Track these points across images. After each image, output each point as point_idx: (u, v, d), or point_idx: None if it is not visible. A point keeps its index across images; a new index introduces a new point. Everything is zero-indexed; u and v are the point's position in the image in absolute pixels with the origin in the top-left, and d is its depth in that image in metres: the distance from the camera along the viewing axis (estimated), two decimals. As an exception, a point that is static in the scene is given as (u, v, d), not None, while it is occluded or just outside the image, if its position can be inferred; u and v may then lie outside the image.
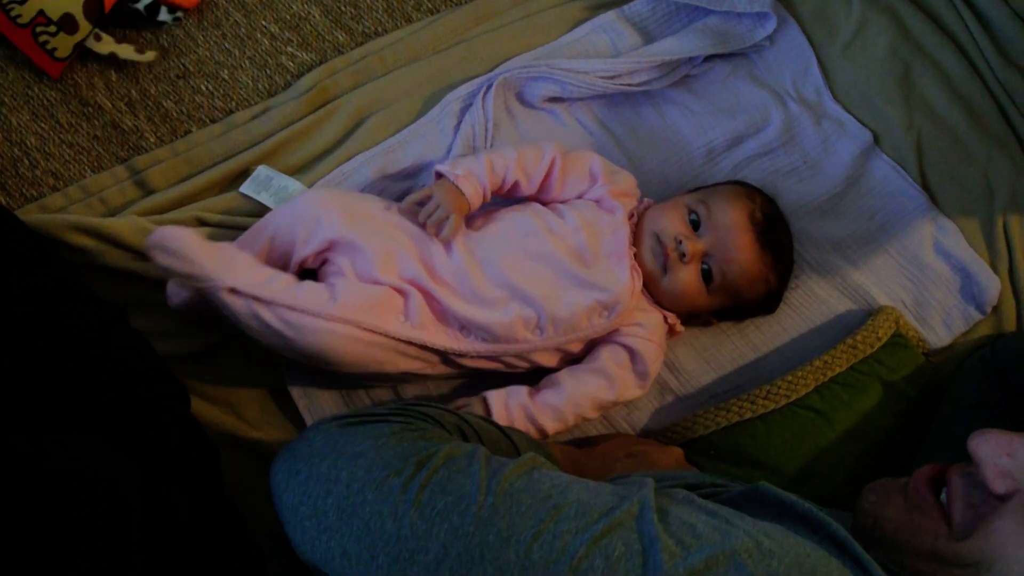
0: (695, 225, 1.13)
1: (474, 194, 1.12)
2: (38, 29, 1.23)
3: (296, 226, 1.08)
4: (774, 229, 1.16)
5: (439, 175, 1.14)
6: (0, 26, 1.23)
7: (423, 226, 1.10)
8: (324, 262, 1.10)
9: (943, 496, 0.73)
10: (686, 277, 1.12)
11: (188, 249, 0.99)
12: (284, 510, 0.78)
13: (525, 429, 1.11)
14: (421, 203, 1.12)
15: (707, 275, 1.12)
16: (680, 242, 1.11)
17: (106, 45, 1.26)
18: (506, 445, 0.93)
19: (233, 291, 1.00)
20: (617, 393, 1.12)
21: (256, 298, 1.00)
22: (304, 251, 1.08)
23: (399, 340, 1.04)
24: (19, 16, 1.22)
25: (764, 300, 1.19)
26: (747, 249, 1.12)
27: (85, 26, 1.24)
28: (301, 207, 1.10)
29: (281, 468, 0.80)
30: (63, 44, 1.24)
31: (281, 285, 1.02)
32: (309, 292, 1.02)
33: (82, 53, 1.27)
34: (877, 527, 0.75)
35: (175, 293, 1.08)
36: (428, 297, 1.07)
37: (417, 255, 1.08)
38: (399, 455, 0.75)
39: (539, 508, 0.69)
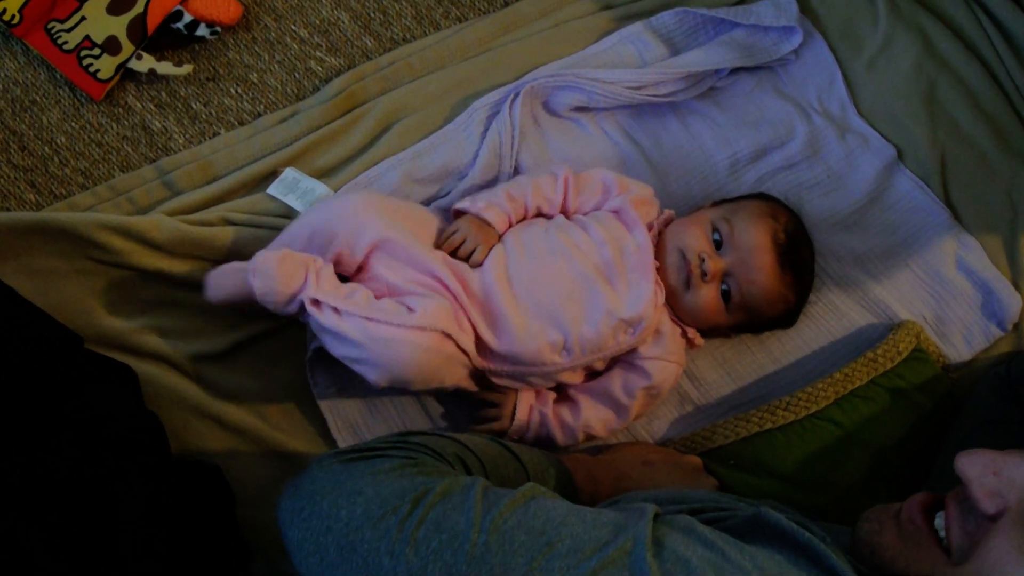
0: (718, 244, 1.13)
1: (499, 220, 1.14)
2: (83, 53, 1.26)
3: (335, 228, 1.08)
4: (797, 249, 1.16)
5: (459, 213, 1.16)
6: (46, 54, 1.27)
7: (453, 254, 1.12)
8: (359, 270, 1.11)
9: (937, 522, 0.74)
10: (706, 295, 1.12)
11: (275, 268, 1.02)
12: (289, 545, 0.80)
13: (536, 435, 1.13)
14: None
15: (726, 294, 1.13)
16: (703, 260, 1.11)
17: (146, 63, 1.29)
18: (513, 466, 0.94)
19: (315, 302, 1.02)
20: (629, 421, 1.15)
21: (336, 309, 1.01)
22: (349, 257, 1.09)
23: (463, 351, 1.05)
24: (65, 43, 1.26)
25: (782, 317, 1.19)
26: (768, 270, 1.12)
27: (128, 47, 1.27)
28: (340, 210, 1.10)
29: (286, 505, 0.82)
30: (106, 65, 1.27)
31: (362, 297, 1.03)
32: (389, 304, 1.03)
33: (123, 72, 1.29)
34: (875, 556, 0.75)
35: (217, 287, 1.07)
36: (465, 313, 1.07)
37: (451, 271, 1.09)
38: (396, 492, 0.76)
39: (532, 545, 0.70)
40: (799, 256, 1.16)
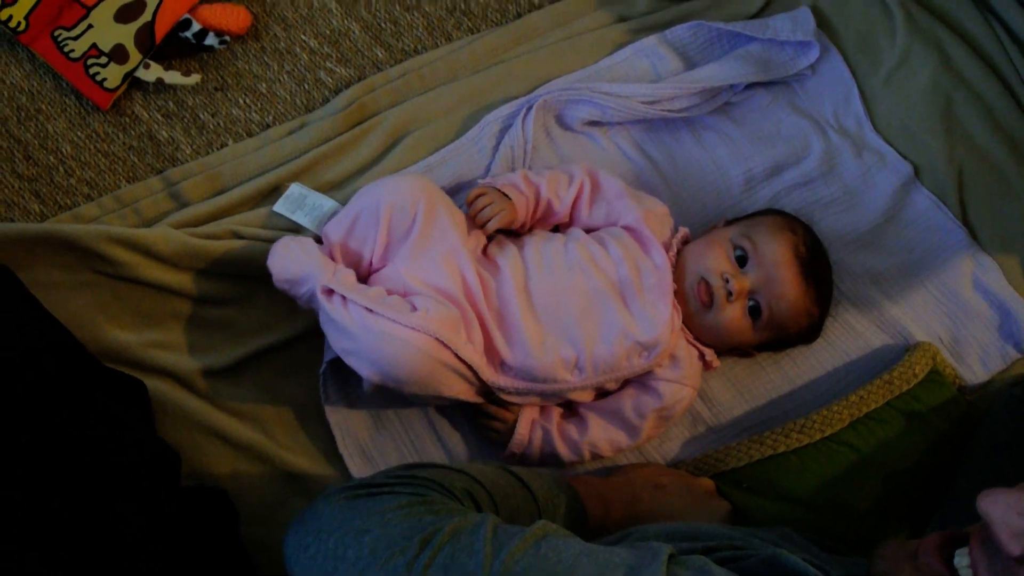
0: (741, 261, 1.12)
1: (518, 199, 1.14)
2: (90, 62, 1.25)
3: (389, 199, 1.09)
4: (817, 262, 1.15)
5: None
6: (52, 61, 1.26)
7: (472, 218, 1.13)
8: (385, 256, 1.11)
9: (956, 560, 0.72)
10: (732, 315, 1.11)
11: (297, 252, 1.07)
12: None
13: (539, 450, 1.12)
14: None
15: (754, 311, 1.11)
16: (727, 280, 1.10)
17: (153, 72, 1.27)
18: (523, 496, 0.93)
19: (328, 291, 1.03)
20: (638, 443, 1.14)
21: (345, 298, 1.03)
22: (400, 223, 1.09)
23: (462, 361, 1.04)
24: (72, 51, 1.25)
25: (805, 331, 1.18)
26: (795, 284, 1.11)
27: (136, 56, 1.26)
28: (395, 183, 1.11)
29: (292, 540, 0.82)
30: (113, 74, 1.25)
31: (373, 292, 1.04)
32: (396, 301, 1.04)
33: (131, 81, 1.28)
34: None
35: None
36: (481, 322, 1.07)
37: (476, 271, 1.08)
38: (404, 533, 0.75)
39: None
40: (820, 268, 1.16)
